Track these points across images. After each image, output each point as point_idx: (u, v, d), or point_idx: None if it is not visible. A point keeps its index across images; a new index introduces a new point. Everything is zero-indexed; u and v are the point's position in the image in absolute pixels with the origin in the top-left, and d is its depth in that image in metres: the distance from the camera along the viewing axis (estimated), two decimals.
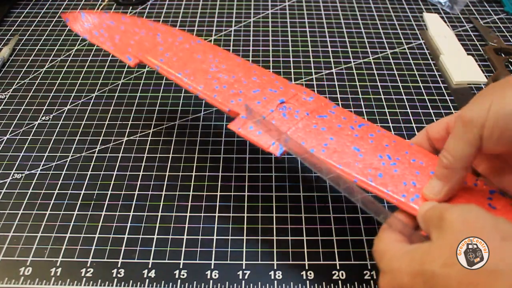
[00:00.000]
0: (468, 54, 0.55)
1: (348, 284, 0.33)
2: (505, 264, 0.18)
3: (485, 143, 0.25)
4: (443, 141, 0.29)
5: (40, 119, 0.47)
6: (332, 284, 0.33)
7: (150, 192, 0.39)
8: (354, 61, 0.55)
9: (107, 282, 0.33)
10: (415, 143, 0.31)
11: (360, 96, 0.49)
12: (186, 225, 0.37)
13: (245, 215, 0.38)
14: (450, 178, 0.26)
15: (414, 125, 0.46)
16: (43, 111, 0.48)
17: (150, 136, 0.45)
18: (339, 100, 0.49)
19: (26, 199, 0.39)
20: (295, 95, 0.34)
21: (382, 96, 0.49)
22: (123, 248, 0.35)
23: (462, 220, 0.20)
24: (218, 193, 0.39)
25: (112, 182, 0.40)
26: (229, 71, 0.35)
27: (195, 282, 0.33)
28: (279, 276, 0.33)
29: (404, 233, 0.25)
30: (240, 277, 0.33)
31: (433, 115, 0.47)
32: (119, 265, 0.34)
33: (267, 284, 0.33)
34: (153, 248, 0.35)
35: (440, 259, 0.20)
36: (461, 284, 0.19)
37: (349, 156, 0.29)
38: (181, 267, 0.34)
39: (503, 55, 0.55)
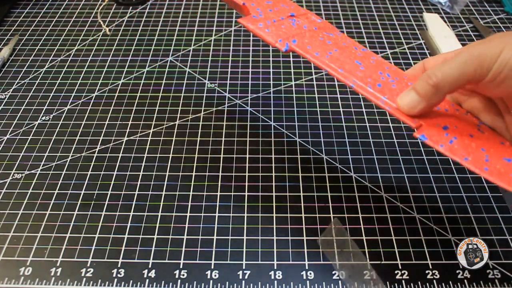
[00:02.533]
0: None
1: (348, 284, 0.33)
2: None
3: (485, 82, 0.25)
4: None
5: (40, 119, 0.47)
6: (332, 284, 0.33)
7: (150, 192, 0.39)
8: None
9: (107, 282, 0.33)
10: (411, 74, 0.32)
11: (360, 96, 0.49)
12: (186, 225, 0.37)
13: (245, 215, 0.38)
14: (430, 97, 0.26)
15: None
16: (43, 111, 0.48)
17: (150, 136, 0.45)
18: (340, 100, 0.49)
19: (26, 199, 0.39)
20: (305, 14, 0.35)
21: None
22: (123, 248, 0.35)
23: None
24: (218, 193, 0.39)
25: (112, 182, 0.40)
26: None
27: (195, 282, 0.33)
28: (279, 276, 0.34)
29: None
30: (240, 277, 0.34)
31: None
32: (119, 265, 0.34)
33: (267, 284, 0.33)
34: (153, 248, 0.35)
35: None
36: None
37: (351, 65, 0.30)
38: (181, 267, 0.34)
39: None
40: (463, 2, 0.65)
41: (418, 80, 0.27)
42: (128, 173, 0.41)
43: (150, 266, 0.34)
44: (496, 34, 0.26)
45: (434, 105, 0.27)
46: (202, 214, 0.38)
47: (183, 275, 0.34)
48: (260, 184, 0.40)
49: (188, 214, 0.38)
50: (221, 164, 0.42)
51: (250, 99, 0.49)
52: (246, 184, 0.40)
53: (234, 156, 0.43)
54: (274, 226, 0.37)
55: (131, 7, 0.65)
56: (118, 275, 0.34)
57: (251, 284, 0.33)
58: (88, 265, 0.34)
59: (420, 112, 0.27)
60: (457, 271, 0.34)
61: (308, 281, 0.33)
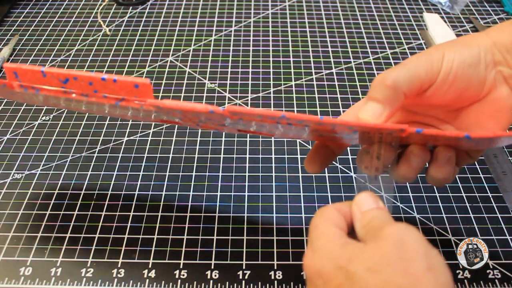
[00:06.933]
0: None
1: None
2: None
3: (438, 82, 0.25)
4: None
5: (40, 119, 0.47)
6: None
7: (150, 192, 0.39)
8: (354, 61, 0.55)
9: (107, 282, 0.33)
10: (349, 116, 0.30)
11: (360, 96, 0.49)
12: (186, 225, 0.37)
13: (245, 215, 0.38)
14: (391, 100, 0.25)
15: None
16: (43, 111, 0.48)
17: (150, 136, 0.45)
18: (340, 100, 0.49)
19: (26, 199, 0.39)
20: None
21: None
22: (123, 248, 0.35)
23: (399, 238, 0.20)
24: (218, 193, 0.39)
25: (112, 182, 0.40)
26: None
27: (195, 282, 0.33)
28: (279, 276, 0.33)
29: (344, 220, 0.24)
30: (240, 277, 0.33)
31: None
32: (119, 265, 0.34)
33: (267, 284, 0.33)
34: (153, 248, 0.35)
35: (366, 263, 0.20)
36: None
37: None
38: (181, 267, 0.34)
39: None
40: (463, 2, 0.65)
41: (371, 88, 0.25)
42: (128, 173, 0.41)
43: (150, 266, 0.34)
44: (430, 47, 0.27)
45: (396, 110, 0.26)
46: (202, 214, 0.38)
47: (183, 275, 0.34)
48: (260, 184, 0.40)
49: (188, 214, 0.38)
50: (221, 164, 0.42)
51: (250, 99, 0.49)
52: (246, 184, 0.40)
53: (234, 156, 0.43)
54: (274, 226, 0.37)
55: (131, 7, 0.65)
56: (118, 275, 0.34)
57: (251, 284, 0.33)
58: (88, 265, 0.34)
59: (386, 120, 0.25)
60: (457, 271, 0.34)
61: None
